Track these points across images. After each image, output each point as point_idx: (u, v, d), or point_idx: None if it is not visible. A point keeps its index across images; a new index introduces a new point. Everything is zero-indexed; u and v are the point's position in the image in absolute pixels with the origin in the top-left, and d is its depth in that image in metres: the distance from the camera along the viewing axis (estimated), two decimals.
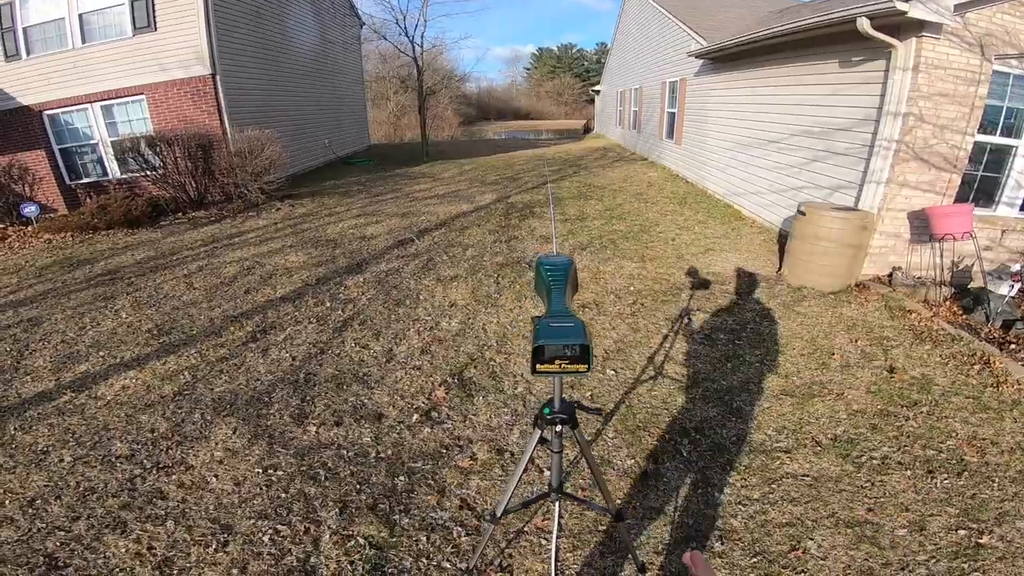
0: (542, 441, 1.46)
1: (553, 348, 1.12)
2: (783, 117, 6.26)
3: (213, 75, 8.75)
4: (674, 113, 10.90)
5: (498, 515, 1.59)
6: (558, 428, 1.37)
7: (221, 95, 8.84)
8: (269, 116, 10.83)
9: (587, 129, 31.42)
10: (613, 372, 3.64)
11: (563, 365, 1.13)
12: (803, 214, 4.77)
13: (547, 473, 2.66)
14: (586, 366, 1.13)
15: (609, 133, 21.12)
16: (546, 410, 1.37)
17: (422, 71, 13.15)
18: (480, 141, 25.10)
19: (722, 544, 2.22)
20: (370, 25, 14.28)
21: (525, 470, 2.53)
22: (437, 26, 65.37)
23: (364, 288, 5.19)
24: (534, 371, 1.14)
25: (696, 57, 8.69)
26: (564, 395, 1.44)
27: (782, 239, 6.21)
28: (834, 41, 5.16)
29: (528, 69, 74.28)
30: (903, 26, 4.23)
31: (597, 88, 24.70)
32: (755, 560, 2.13)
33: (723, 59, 7.94)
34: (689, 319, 4.37)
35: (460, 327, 4.30)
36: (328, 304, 4.86)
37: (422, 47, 12.98)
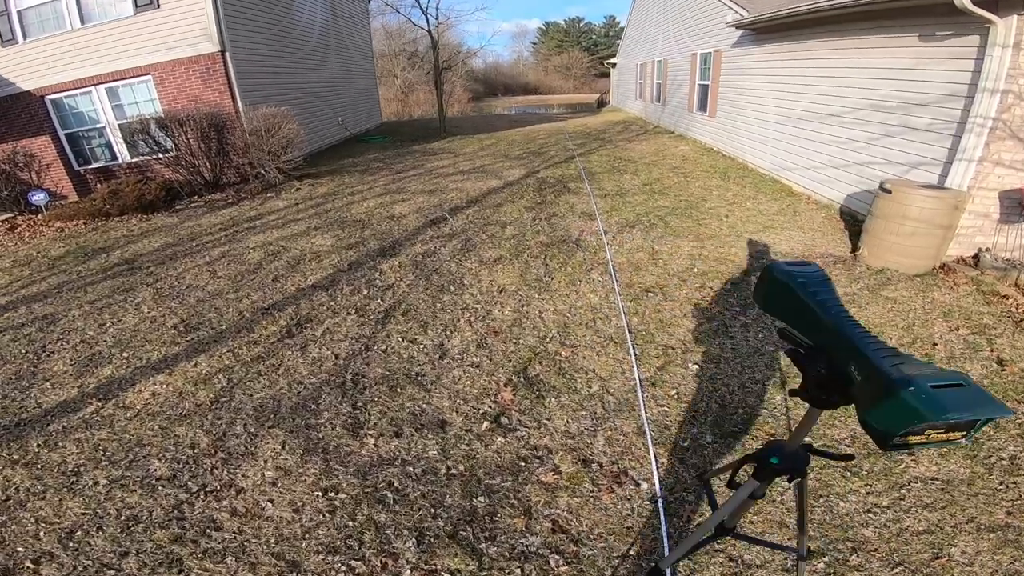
0: (752, 496, 1.08)
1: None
2: (845, 91, 5.72)
3: (222, 52, 8.25)
4: (707, 85, 10.26)
5: (664, 570, 1.23)
6: (791, 480, 0.99)
7: (232, 73, 8.36)
8: (282, 93, 10.34)
9: (601, 103, 30.46)
10: (696, 366, 3.27)
11: (933, 435, 0.73)
12: (887, 192, 4.29)
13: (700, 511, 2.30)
14: (964, 433, 0.73)
15: (628, 106, 20.35)
16: (773, 459, 0.98)
17: (437, 44, 12.49)
18: (493, 116, 24.37)
19: (857, 556, 1.91)
20: None
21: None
22: None
23: (402, 273, 4.81)
24: (888, 446, 0.74)
25: (736, 28, 8.05)
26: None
27: (846, 216, 5.73)
28: (915, 14, 4.65)
29: (535, 44, 72.49)
30: (1002, 2, 3.82)
31: (613, 61, 23.78)
32: (897, 571, 1.85)
33: (769, 30, 7.32)
34: None
35: (514, 316, 3.92)
36: (365, 292, 4.49)
37: (436, 19, 12.31)
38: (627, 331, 3.64)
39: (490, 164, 9.75)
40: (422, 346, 3.60)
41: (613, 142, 12.08)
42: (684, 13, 11.56)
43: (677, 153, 10.11)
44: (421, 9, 12.46)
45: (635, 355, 3.35)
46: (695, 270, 4.51)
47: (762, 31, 7.67)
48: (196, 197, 8.19)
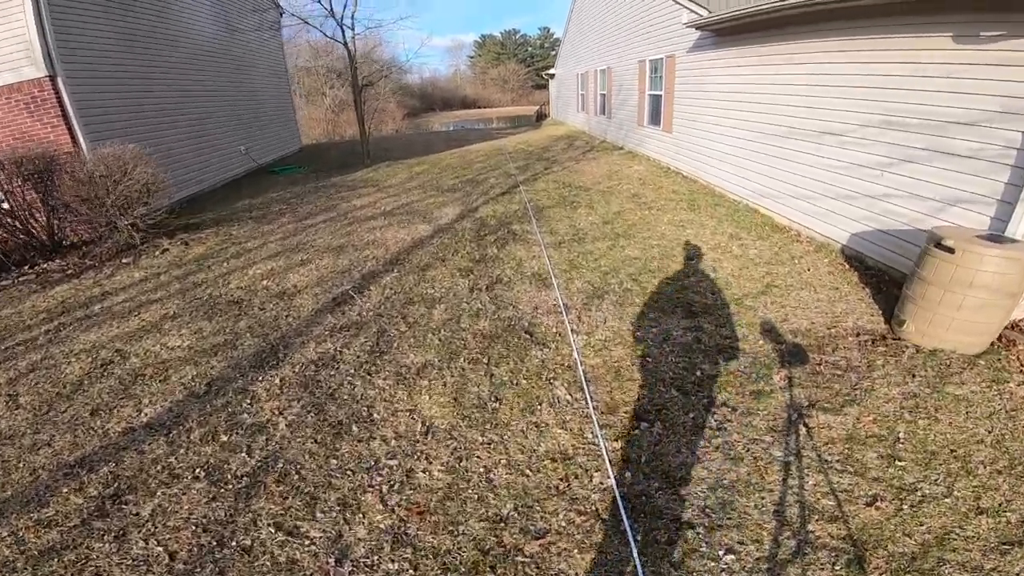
0: None
1: None
2: (848, 103, 4.66)
3: (52, 77, 6.32)
4: (659, 96, 9.24)
5: None
6: None
7: (68, 102, 6.43)
8: (152, 124, 8.41)
9: (541, 115, 29.60)
10: (732, 556, 1.92)
11: None
12: (948, 250, 3.15)
13: None
14: None
15: (570, 119, 19.40)
16: None
17: (355, 59, 10.86)
18: (429, 134, 22.79)
19: None
20: (291, 10, 11.83)
21: None
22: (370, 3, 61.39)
23: (283, 400, 3.23)
24: None
25: (697, 29, 7.01)
26: None
27: (855, 262, 4.65)
28: (949, 9, 3.59)
29: (472, 57, 71.79)
30: None
31: (551, 71, 22.88)
32: None
33: (737, 31, 6.29)
34: (807, 427, 2.70)
35: (448, 479, 2.48)
36: (225, 438, 2.91)
37: (353, 30, 10.71)
38: (620, 503, 2.25)
39: (419, 200, 8.23)
40: (307, 543, 2.08)
41: (559, 162, 10.86)
42: (629, 16, 10.56)
43: (632, 175, 8.99)
44: (336, 20, 10.81)
45: (637, 554, 1.96)
46: (697, 373, 3.19)
47: (727, 32, 6.63)
48: (27, 267, 6.17)
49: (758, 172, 6.22)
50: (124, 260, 6.15)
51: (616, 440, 2.68)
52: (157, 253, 6.30)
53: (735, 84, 6.59)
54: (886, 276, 4.32)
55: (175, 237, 6.95)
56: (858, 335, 3.55)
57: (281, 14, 14.19)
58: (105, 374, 3.73)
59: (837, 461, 2.45)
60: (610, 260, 5.09)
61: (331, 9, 10.84)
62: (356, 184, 9.95)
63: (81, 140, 6.56)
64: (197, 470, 2.66)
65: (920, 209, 3.99)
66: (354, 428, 2.91)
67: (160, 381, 3.58)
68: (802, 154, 5.34)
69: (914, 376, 3.10)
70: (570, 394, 3.07)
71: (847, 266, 4.63)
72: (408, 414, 3.00)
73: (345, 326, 4.18)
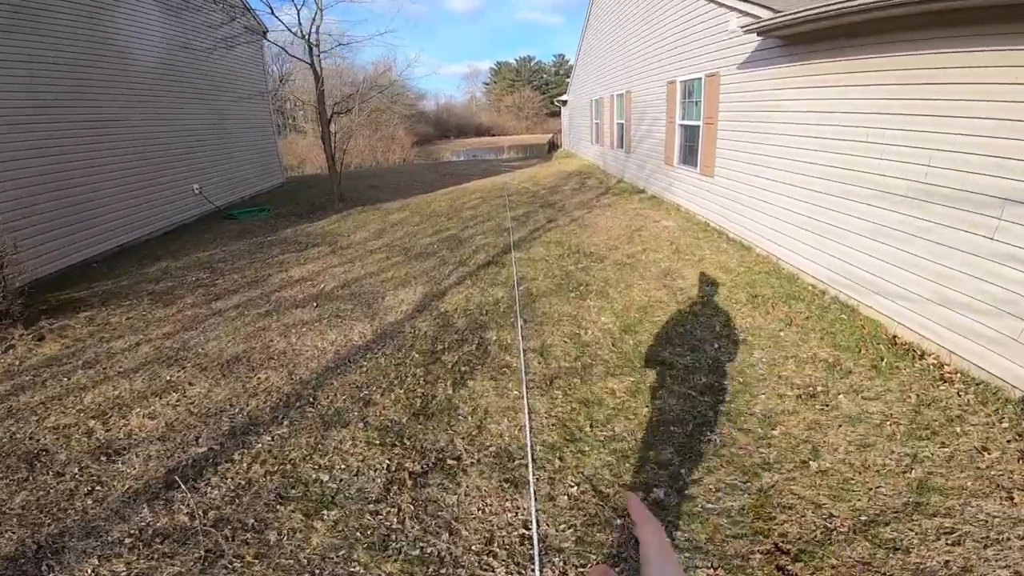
0: None
1: None
2: None
3: None
4: (695, 128, 7.17)
5: None
6: None
7: None
8: (58, 163, 6.63)
9: (553, 145, 27.85)
10: None
11: None
12: None
13: None
14: None
15: (582, 151, 17.47)
16: None
17: (321, 79, 9.04)
18: (430, 166, 21.02)
19: None
20: (247, 25, 10.12)
21: None
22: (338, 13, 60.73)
23: None
24: None
25: (758, 34, 4.94)
26: None
27: None
28: None
29: (487, 84, 71.43)
30: None
31: (564, 98, 21.13)
32: None
33: (820, 36, 4.21)
34: None
35: None
36: None
37: (317, 46, 8.88)
38: None
39: (374, 274, 6.19)
40: None
41: (567, 211, 8.80)
42: (655, 28, 8.58)
43: (661, 235, 6.86)
44: (299, 32, 9.00)
45: None
46: None
47: (803, 40, 4.54)
48: None
49: (857, 247, 4.03)
50: None
51: None
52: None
53: (814, 112, 4.47)
54: None
55: (38, 323, 4.99)
56: None
57: (265, 32, 12.65)
58: None
59: None
60: (632, 424, 2.91)
61: (300, 26, 9.15)
62: (311, 239, 7.99)
63: None
64: None
65: None
66: None
67: None
68: (954, 230, 3.16)
69: None
70: None
71: None
72: None
73: (161, 534, 2.12)
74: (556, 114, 57.04)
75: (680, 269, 5.52)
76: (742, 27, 5.13)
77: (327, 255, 7.02)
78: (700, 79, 6.75)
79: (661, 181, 8.79)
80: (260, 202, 12.06)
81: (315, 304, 5.34)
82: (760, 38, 5.07)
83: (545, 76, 67.51)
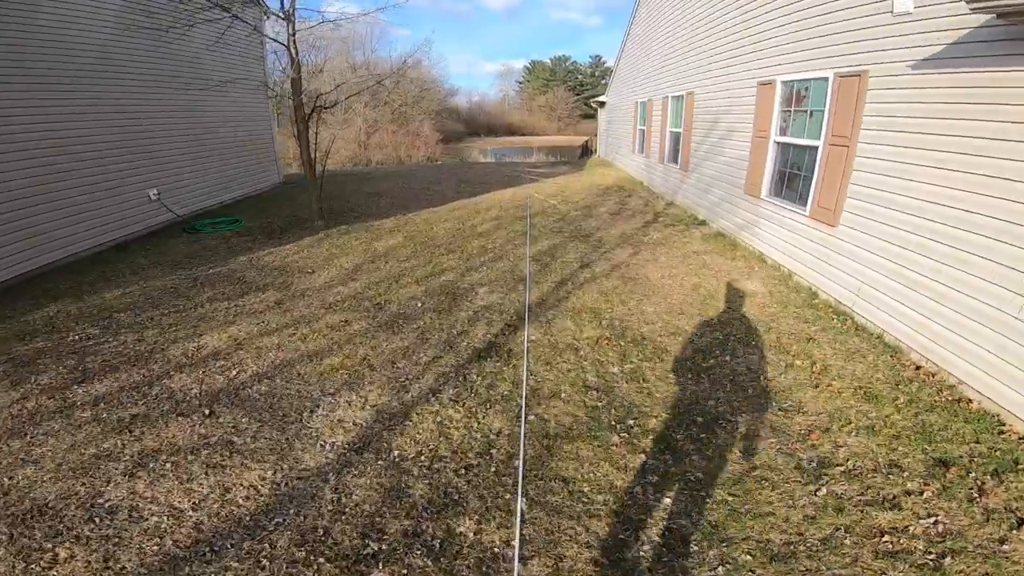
0: None
1: None
2: None
3: None
4: (808, 150, 4.91)
5: None
6: None
7: None
8: None
9: (586, 149, 25.58)
10: None
11: None
12: None
13: None
14: None
15: (621, 161, 15.19)
16: None
17: (297, 63, 6.97)
18: (450, 168, 18.93)
19: None
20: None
21: None
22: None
23: None
24: None
25: (999, 16, 2.68)
26: None
27: None
28: None
29: (520, 83, 69.35)
30: None
31: (601, 99, 18.85)
32: None
33: None
34: None
35: None
36: None
37: (292, 20, 6.79)
38: None
39: (317, 355, 4.15)
40: None
41: (604, 249, 6.61)
42: (747, 9, 6.29)
43: (746, 308, 4.63)
44: (275, 11, 7.00)
45: None
46: None
47: None
48: None
49: None
50: None
51: None
52: None
53: None
54: None
55: None
56: None
57: (267, 15, 10.79)
58: None
59: None
60: None
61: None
62: (261, 277, 6.01)
63: None
64: None
65: None
66: None
67: None
68: None
69: None
70: None
71: None
72: None
73: None
74: (590, 116, 54.60)
75: (791, 390, 3.33)
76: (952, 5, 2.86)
77: (268, 310, 5.01)
78: (825, 80, 4.48)
79: (736, 215, 6.52)
80: (246, 207, 10.23)
81: (207, 411, 3.35)
82: (987, 19, 2.80)
83: (580, 77, 65.13)
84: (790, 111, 5.17)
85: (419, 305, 4.98)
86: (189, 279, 5.92)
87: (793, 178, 5.18)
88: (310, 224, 8.15)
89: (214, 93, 9.86)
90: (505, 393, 3.51)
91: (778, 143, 5.41)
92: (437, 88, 51.34)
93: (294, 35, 6.81)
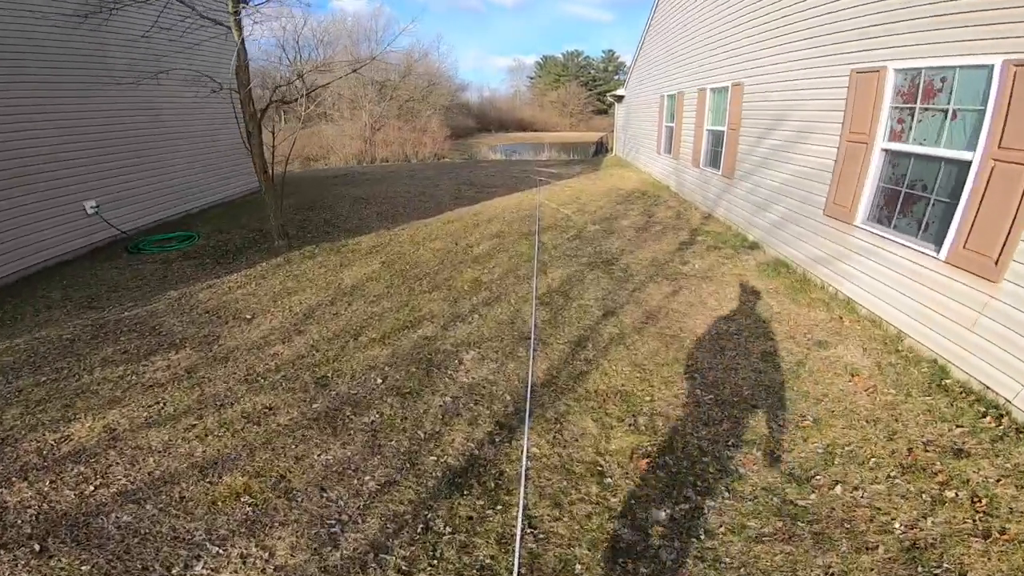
0: None
1: None
2: None
3: None
4: (960, 167, 3.37)
5: None
6: None
7: None
8: None
9: (601, 147, 23.96)
10: None
11: None
12: None
13: None
14: None
15: (643, 162, 13.60)
16: None
17: (244, 51, 5.48)
18: (454, 167, 17.40)
19: None
20: None
21: None
22: None
23: None
24: None
25: None
26: None
27: None
28: None
29: (532, 78, 67.61)
30: None
31: (619, 93, 17.23)
32: None
33: None
34: None
35: None
36: None
37: (235, 3, 5.32)
38: None
39: (224, 457, 2.75)
40: None
41: (631, 283, 5.11)
42: None
43: (847, 387, 3.10)
44: None
45: None
46: None
47: None
48: None
49: None
50: None
51: None
52: None
53: None
54: None
55: None
56: None
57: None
58: None
59: None
60: None
61: None
62: (186, 324, 4.60)
63: None
64: None
65: None
66: None
67: None
68: None
69: None
70: None
71: None
72: None
73: None
74: (603, 112, 52.83)
75: (945, 542, 1.83)
76: None
77: (172, 382, 3.61)
78: (984, 69, 2.94)
79: (808, 243, 4.97)
80: (210, 217, 8.88)
81: (37, 547, 2.17)
82: None
83: (593, 72, 63.25)
84: (910, 108, 3.63)
85: (379, 382, 3.54)
86: (93, 326, 4.54)
87: (913, 201, 3.64)
88: (271, 244, 6.74)
89: (173, 90, 8.46)
90: (486, 562, 2.10)
91: (887, 152, 3.86)
92: (447, 82, 49.82)
93: (237, 13, 5.36)
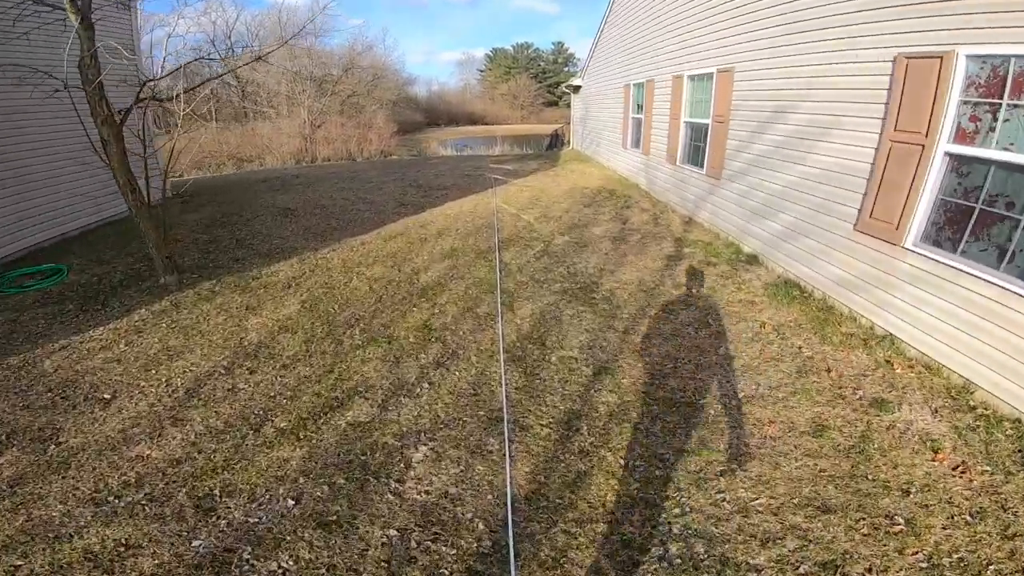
0: None
1: None
2: None
3: None
4: None
5: None
6: None
7: None
8: None
9: (557, 139, 23.04)
10: None
11: None
12: None
13: None
14: None
15: (606, 156, 12.69)
16: None
17: (82, 35, 4.01)
18: (401, 165, 15.82)
19: None
20: None
21: None
22: None
23: None
24: None
25: None
26: None
27: None
28: None
29: (482, 71, 65.90)
30: None
31: (575, 83, 16.28)
32: None
33: None
34: None
35: None
36: None
37: None
38: None
39: None
40: None
41: (620, 319, 4.08)
42: None
43: (920, 460, 2.16)
44: None
45: None
46: None
47: None
48: None
49: None
50: None
51: None
52: None
53: None
54: None
55: None
56: None
57: None
58: None
59: None
60: None
61: None
62: (17, 413, 3.21)
63: None
64: None
65: None
66: None
67: None
68: None
69: None
70: None
71: None
72: None
73: None
74: (554, 104, 52.07)
75: None
76: None
77: None
78: None
79: (832, 263, 4.11)
80: (93, 242, 7.20)
81: None
82: None
83: (543, 64, 62.47)
84: (991, 104, 2.75)
85: (290, 504, 2.35)
86: None
87: (992, 222, 2.79)
88: (158, 279, 5.27)
89: (32, 91, 6.69)
90: None
91: (952, 156, 2.99)
92: (393, 76, 47.42)
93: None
